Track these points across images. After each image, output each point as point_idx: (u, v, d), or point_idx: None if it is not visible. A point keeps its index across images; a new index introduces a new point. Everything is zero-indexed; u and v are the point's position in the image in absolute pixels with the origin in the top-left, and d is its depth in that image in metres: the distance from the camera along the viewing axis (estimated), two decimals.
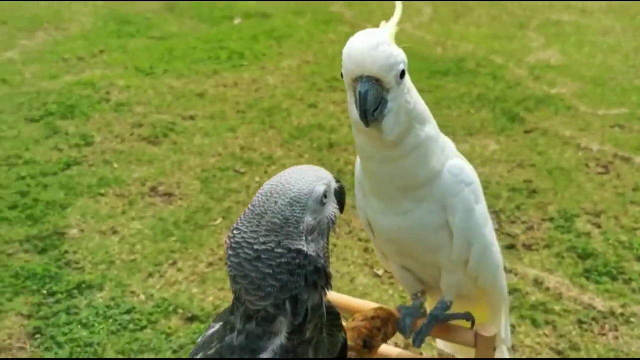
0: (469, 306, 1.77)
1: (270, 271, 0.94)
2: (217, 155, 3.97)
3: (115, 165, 3.83)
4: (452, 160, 1.43)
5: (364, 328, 1.63)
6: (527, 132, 4.17)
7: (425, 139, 1.34)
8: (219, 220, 3.27)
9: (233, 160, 3.90)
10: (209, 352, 1.00)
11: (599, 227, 3.13)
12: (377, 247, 1.74)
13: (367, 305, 1.75)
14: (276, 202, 0.99)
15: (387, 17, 1.33)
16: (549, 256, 2.93)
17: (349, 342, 1.62)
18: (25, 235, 3.12)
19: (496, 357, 1.83)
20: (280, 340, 0.97)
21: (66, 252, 3.01)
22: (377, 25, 1.33)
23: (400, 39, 1.30)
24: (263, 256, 0.94)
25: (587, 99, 4.64)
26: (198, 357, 1.02)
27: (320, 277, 0.99)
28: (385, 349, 1.77)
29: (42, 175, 3.70)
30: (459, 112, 4.49)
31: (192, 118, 4.51)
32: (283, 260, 0.95)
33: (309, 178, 1.01)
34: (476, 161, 3.80)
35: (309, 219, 0.98)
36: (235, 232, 0.99)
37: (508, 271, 2.83)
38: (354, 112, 1.27)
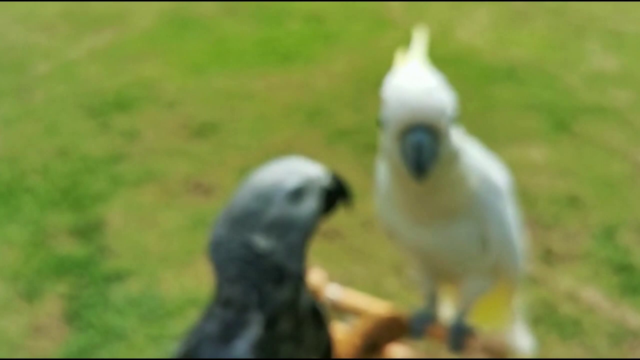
0: (486, 309, 1.75)
1: (229, 257, 0.96)
2: (259, 153, 4.06)
3: (160, 161, 3.98)
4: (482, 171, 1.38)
5: (370, 329, 1.66)
6: (573, 141, 4.07)
7: (463, 166, 1.26)
8: None
9: (275, 159, 3.97)
10: (190, 340, 1.03)
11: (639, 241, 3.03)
12: (398, 249, 1.71)
13: (378, 305, 1.77)
14: (244, 194, 0.99)
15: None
16: (585, 269, 2.86)
17: (355, 342, 1.65)
18: (71, 223, 3.29)
19: (515, 337, 1.78)
20: (255, 330, 0.98)
21: (107, 241, 3.15)
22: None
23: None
24: (223, 242, 0.96)
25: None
26: (179, 345, 1.05)
27: (282, 274, 0.97)
28: (394, 350, 1.79)
29: (92, 167, 3.88)
30: (505, 118, 4.42)
31: (238, 118, 4.62)
32: (241, 250, 0.96)
33: (282, 171, 0.99)
34: (518, 168, 3.73)
35: (272, 214, 0.96)
36: (218, 215, 1.01)
37: (539, 281, 2.78)
38: (398, 161, 1.15)
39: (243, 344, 0.97)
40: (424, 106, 1.07)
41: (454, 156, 1.19)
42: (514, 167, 3.80)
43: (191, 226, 3.27)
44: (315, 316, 1.13)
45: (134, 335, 2.53)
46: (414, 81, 1.10)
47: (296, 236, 0.97)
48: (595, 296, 2.68)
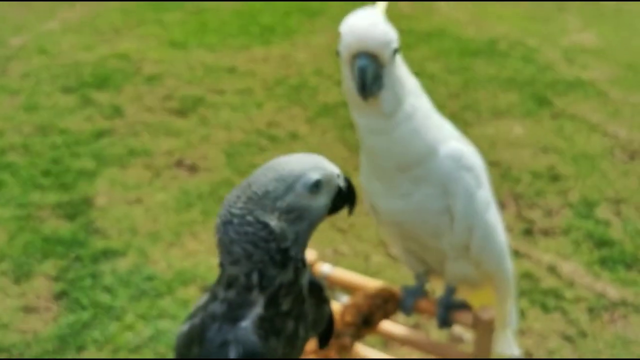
0: (475, 290, 1.81)
1: (237, 237, 0.97)
2: (243, 130, 4.05)
3: (144, 137, 3.94)
4: (451, 144, 1.46)
5: (364, 305, 1.69)
6: (554, 116, 4.13)
7: (417, 111, 1.40)
8: None
9: (258, 135, 3.97)
10: (195, 321, 1.05)
11: (619, 215, 3.11)
12: (382, 230, 1.78)
13: (371, 283, 1.81)
14: (265, 175, 1.00)
15: None
16: (565, 242, 2.94)
17: (349, 318, 1.68)
18: (56, 202, 3.26)
19: (501, 341, 1.87)
20: (258, 310, 1.01)
21: (93, 219, 3.13)
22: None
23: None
24: (234, 220, 0.97)
25: (620, 85, 4.55)
26: (185, 325, 1.07)
27: (286, 258, 1.00)
28: (390, 327, 1.83)
29: (74, 144, 3.84)
30: (486, 94, 4.45)
31: (220, 92, 4.58)
32: (249, 229, 0.97)
33: (308, 164, 1.01)
34: (500, 144, 3.79)
35: (290, 200, 0.99)
36: (227, 195, 1.02)
37: (522, 256, 2.84)
38: (350, 86, 1.35)
39: (247, 323, 1.00)
40: (367, 36, 1.29)
41: (405, 90, 1.37)
42: (497, 143, 3.88)
43: (177, 203, 3.27)
44: (316, 292, 1.16)
45: (124, 313, 2.54)
46: (363, 18, 1.33)
47: (305, 225, 1.01)
48: (576, 270, 2.75)
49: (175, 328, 2.45)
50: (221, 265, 1.04)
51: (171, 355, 2.34)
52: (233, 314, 1.01)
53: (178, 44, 5.56)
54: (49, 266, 2.81)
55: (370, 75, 1.30)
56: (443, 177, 1.44)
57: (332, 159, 3.29)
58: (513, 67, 4.88)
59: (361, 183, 1.59)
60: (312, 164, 1.01)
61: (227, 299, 1.02)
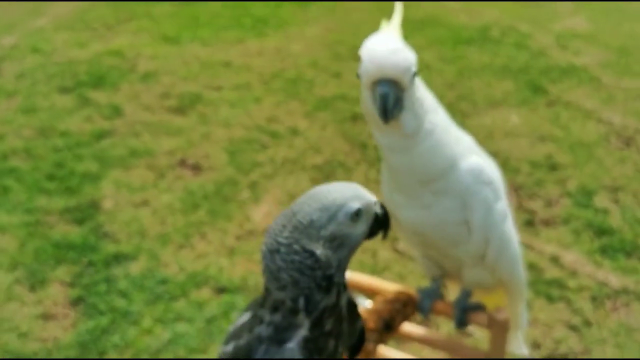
0: (490, 293, 1.88)
1: (284, 265, 1.03)
2: (243, 126, 4.08)
3: (145, 137, 3.97)
4: (471, 159, 1.51)
5: (385, 310, 1.75)
6: (549, 104, 4.20)
7: (436, 127, 1.45)
8: (246, 194, 3.40)
9: (258, 132, 4.01)
10: (240, 342, 1.11)
11: (617, 203, 3.19)
12: (402, 236, 1.84)
13: (389, 286, 1.87)
14: (310, 205, 1.06)
15: None
16: (566, 232, 3.02)
17: (371, 324, 1.75)
18: (63, 206, 3.29)
19: (512, 341, 1.95)
20: (303, 332, 1.07)
21: (102, 223, 3.17)
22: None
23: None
24: (281, 249, 1.03)
25: (612, 70, 4.62)
26: (229, 346, 1.13)
27: (330, 284, 1.06)
28: (407, 327, 1.90)
29: (76, 147, 3.85)
30: (481, 83, 4.51)
31: (218, 88, 4.60)
32: (296, 257, 1.03)
33: (348, 193, 1.07)
34: (497, 134, 3.85)
35: (333, 228, 1.04)
36: (272, 224, 1.09)
37: (525, 247, 2.92)
38: (371, 109, 1.39)
39: (294, 344, 1.08)
40: (388, 64, 1.32)
41: (419, 108, 1.41)
42: (494, 133, 3.94)
43: (183, 204, 3.31)
44: (351, 308, 1.23)
45: (141, 317, 2.59)
46: (383, 43, 1.35)
47: (346, 251, 1.07)
48: (577, 259, 2.84)
49: (192, 331, 2.52)
50: (267, 289, 1.10)
51: (192, 358, 2.40)
52: (279, 336, 1.08)
53: (171, 38, 5.55)
54: (63, 272, 2.86)
55: (391, 101, 1.33)
56: (463, 190, 1.49)
57: (333, 154, 3.37)
58: (506, 54, 4.94)
59: (383, 193, 1.64)
60: (352, 194, 1.07)
61: (273, 322, 1.08)
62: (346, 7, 6.10)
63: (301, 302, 1.07)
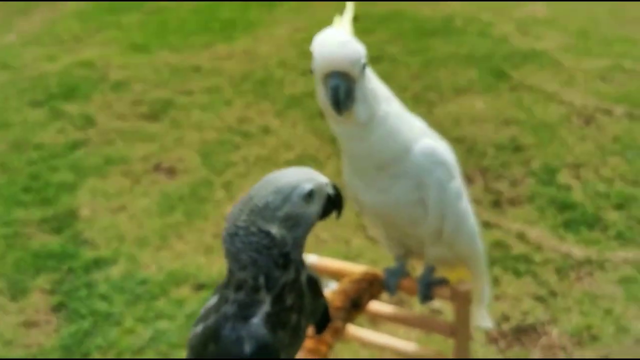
0: (453, 268, 1.97)
1: (243, 247, 1.10)
2: (215, 128, 4.15)
3: (119, 144, 4.02)
4: (424, 141, 1.60)
5: (352, 290, 1.84)
6: (512, 88, 4.32)
7: (389, 115, 1.52)
8: (221, 193, 3.47)
9: (230, 133, 4.08)
10: (208, 322, 1.19)
11: (579, 179, 3.31)
12: (365, 218, 1.93)
13: (356, 267, 1.95)
14: (265, 189, 1.13)
15: None
16: (531, 210, 3.13)
17: (338, 303, 1.83)
18: (40, 217, 3.33)
19: (476, 315, 2.04)
20: (266, 307, 1.14)
21: (80, 230, 3.22)
22: None
23: None
24: (240, 232, 1.10)
25: (572, 52, 4.76)
26: (199, 327, 1.21)
27: (287, 261, 1.13)
28: (376, 306, 1.98)
29: (50, 158, 3.90)
30: (447, 72, 4.62)
31: (189, 93, 4.66)
32: (254, 238, 1.10)
33: (301, 176, 1.13)
34: (464, 120, 3.96)
35: (287, 209, 1.11)
36: (231, 209, 1.16)
37: (493, 226, 3.03)
38: (325, 102, 1.45)
39: (258, 319, 1.15)
40: (337, 57, 1.38)
41: (372, 98, 1.47)
42: (461, 119, 4.05)
43: (159, 207, 3.37)
44: (313, 286, 1.31)
45: (122, 318, 2.65)
46: (332, 37, 1.41)
47: (302, 231, 1.14)
48: (542, 234, 2.95)
49: (174, 327, 2.58)
50: (229, 271, 1.17)
51: (174, 354, 2.47)
52: (244, 313, 1.15)
53: (140, 47, 5.60)
54: (43, 280, 2.90)
55: (342, 92, 1.40)
56: (417, 172, 1.57)
57: (305, 149, 3.48)
58: (470, 43, 5.06)
59: (344, 179, 1.72)
60: (305, 176, 1.15)
61: (238, 300, 1.16)
62: (313, 6, 6.18)
63: (261, 280, 1.14)
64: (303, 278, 1.22)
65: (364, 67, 1.43)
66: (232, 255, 1.14)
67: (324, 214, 1.20)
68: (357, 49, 1.41)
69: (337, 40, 1.40)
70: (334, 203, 1.21)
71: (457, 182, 1.69)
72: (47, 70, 5.19)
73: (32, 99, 4.70)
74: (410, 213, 1.66)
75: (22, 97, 4.74)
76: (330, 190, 1.19)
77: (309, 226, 1.16)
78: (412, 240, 1.81)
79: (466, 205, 1.75)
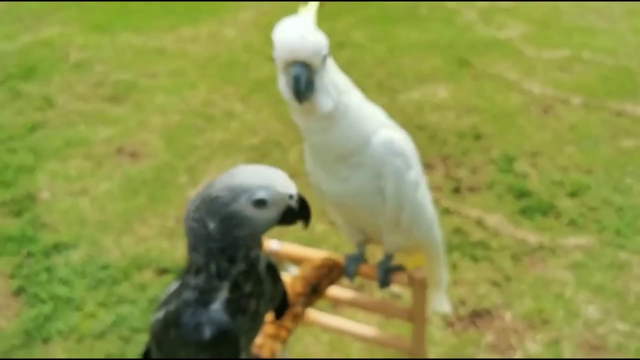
0: (411, 255, 2.03)
1: (187, 230, 1.13)
2: (179, 112, 4.12)
3: (80, 127, 3.96)
4: (382, 132, 1.63)
5: (312, 275, 1.87)
6: (474, 77, 4.39)
7: (349, 107, 1.53)
8: (184, 178, 3.46)
9: (194, 116, 4.06)
10: (170, 308, 1.21)
11: (536, 167, 3.41)
12: (325, 206, 1.96)
13: (316, 253, 1.99)
14: (222, 182, 1.13)
15: None
16: (490, 197, 3.21)
17: (299, 289, 1.86)
18: None
19: (434, 300, 2.10)
20: (224, 294, 1.17)
21: (40, 214, 3.18)
22: None
23: None
24: (189, 214, 1.12)
25: (533, 42, 4.86)
26: (160, 313, 1.23)
27: (233, 257, 1.14)
28: (337, 292, 2.03)
29: (9, 140, 3.82)
30: (411, 59, 4.67)
31: (152, 76, 4.61)
32: (195, 225, 1.12)
33: (261, 180, 1.11)
34: (426, 108, 4.02)
35: (232, 209, 1.10)
36: (198, 189, 1.17)
37: (452, 213, 3.10)
38: (286, 91, 1.46)
39: (217, 305, 1.18)
40: (298, 47, 1.38)
41: (332, 89, 1.49)
42: (424, 107, 4.11)
43: (122, 191, 3.35)
44: (272, 272, 1.33)
45: (83, 303, 2.64)
46: (293, 27, 1.41)
47: (246, 231, 1.13)
48: (500, 221, 3.03)
49: (136, 312, 2.59)
50: (188, 253, 1.19)
51: (136, 338, 2.47)
52: (203, 298, 1.18)
53: (102, 27, 5.50)
54: (2, 264, 2.87)
55: (303, 82, 1.41)
56: (376, 162, 1.60)
57: (269, 134, 3.50)
58: (434, 31, 5.11)
59: (306, 168, 1.75)
60: (263, 182, 1.12)
61: (197, 286, 1.18)
62: None
63: (213, 268, 1.16)
64: (261, 267, 1.25)
65: (324, 58, 1.44)
66: (186, 235, 1.16)
67: (284, 221, 1.18)
68: (319, 39, 1.42)
69: (299, 30, 1.41)
70: (298, 215, 1.19)
71: (415, 172, 1.73)
72: (5, 49, 5.07)
73: None
74: (369, 202, 1.69)
75: None
76: (292, 203, 1.16)
77: (258, 230, 1.14)
78: (371, 228, 1.85)
79: (424, 194, 1.80)
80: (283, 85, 1.47)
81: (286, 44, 1.40)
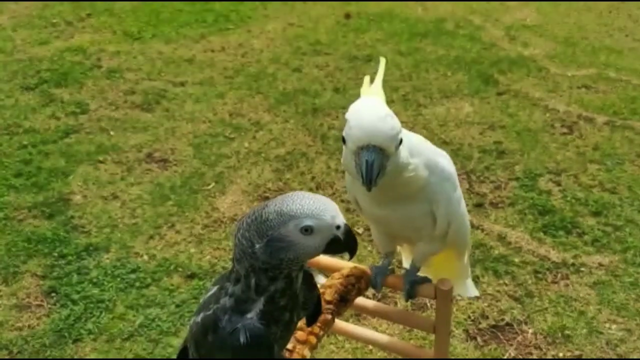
0: (431, 265, 2.07)
1: (237, 242, 1.20)
2: (208, 121, 4.21)
3: (111, 133, 4.06)
4: (430, 161, 1.66)
5: (340, 285, 1.93)
6: (499, 93, 4.43)
7: (418, 167, 1.51)
8: (212, 185, 3.54)
9: (222, 126, 4.14)
10: (208, 312, 1.28)
11: (559, 185, 3.43)
12: (364, 217, 1.98)
13: (344, 264, 2.04)
14: (275, 205, 1.19)
15: None
16: (513, 213, 3.24)
17: (328, 297, 1.92)
18: (32, 202, 3.38)
19: (462, 287, 2.14)
20: (260, 305, 1.23)
21: (72, 216, 3.27)
22: None
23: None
24: (241, 230, 1.20)
25: (558, 60, 4.88)
26: (199, 316, 1.30)
27: (274, 275, 1.20)
28: (362, 301, 2.08)
29: (42, 144, 3.93)
30: (437, 74, 4.72)
31: (182, 84, 4.71)
32: (243, 241, 1.19)
33: (311, 209, 1.17)
34: (451, 123, 4.06)
35: (280, 233, 1.16)
36: (255, 205, 1.24)
37: (475, 227, 3.13)
38: (353, 170, 1.42)
39: (252, 315, 1.25)
40: (375, 132, 1.34)
41: (402, 168, 1.46)
42: (448, 122, 4.15)
43: (152, 197, 3.43)
44: (307, 280, 1.39)
45: (113, 305, 2.72)
46: (370, 110, 1.38)
47: (291, 256, 1.18)
48: (522, 237, 3.06)
49: (164, 315, 2.66)
50: (232, 260, 1.26)
51: (164, 340, 2.54)
52: (240, 307, 1.25)
53: (133, 35, 5.63)
54: (35, 265, 2.96)
55: (376, 168, 1.35)
56: (429, 191, 1.62)
57: (295, 145, 3.58)
58: (460, 47, 5.16)
59: (347, 184, 1.76)
60: (313, 211, 1.17)
61: (235, 295, 1.25)
62: (306, 2, 6.24)
63: (252, 282, 1.23)
64: (298, 283, 1.31)
65: (400, 142, 1.39)
66: (235, 244, 1.23)
67: (330, 250, 1.22)
68: (396, 124, 1.38)
69: (376, 114, 1.37)
70: (344, 246, 1.23)
71: (459, 189, 1.78)
72: (38, 54, 5.20)
73: (23, 82, 4.72)
74: (417, 224, 1.70)
75: (13, 81, 4.75)
76: (339, 234, 1.19)
77: (304, 254, 1.20)
78: (407, 240, 1.90)
79: (464, 206, 1.84)
80: (351, 165, 1.42)
81: (362, 127, 1.35)
